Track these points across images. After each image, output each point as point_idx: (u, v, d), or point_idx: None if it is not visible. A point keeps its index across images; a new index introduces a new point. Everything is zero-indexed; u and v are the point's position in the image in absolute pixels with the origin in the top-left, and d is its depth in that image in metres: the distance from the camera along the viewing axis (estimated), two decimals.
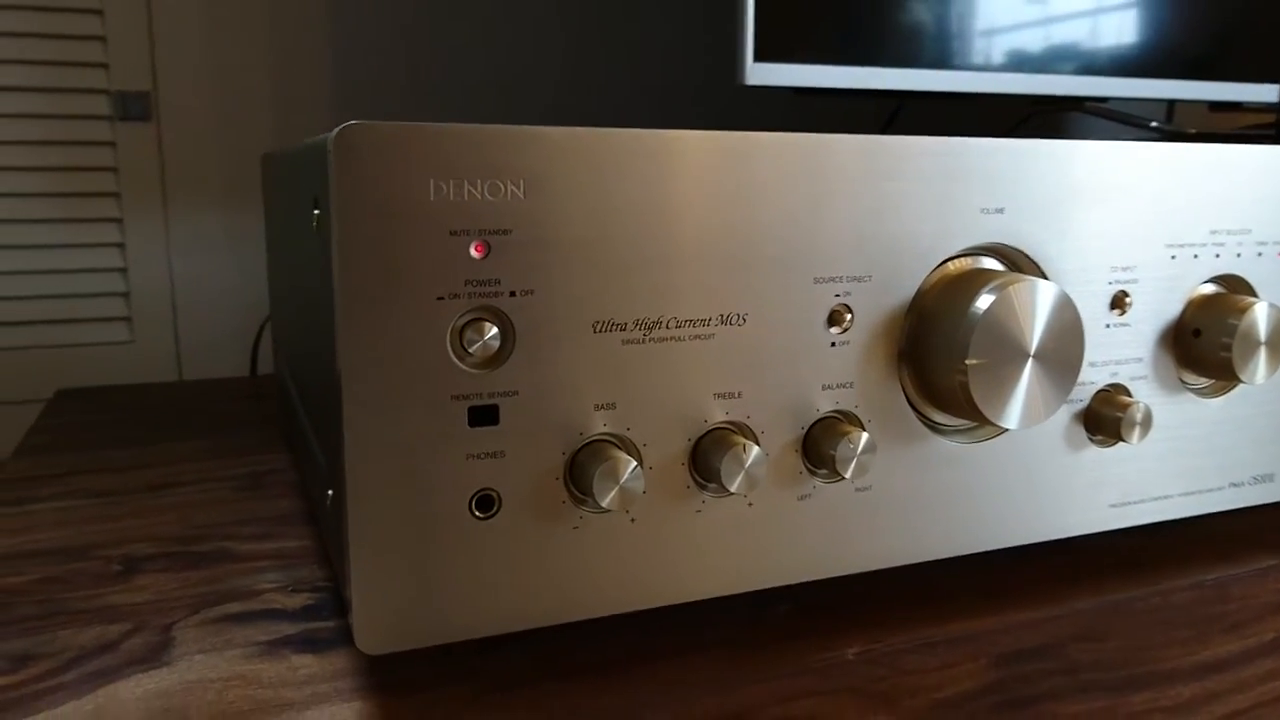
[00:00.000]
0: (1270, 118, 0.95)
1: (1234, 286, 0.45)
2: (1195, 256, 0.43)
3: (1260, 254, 0.45)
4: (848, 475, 0.36)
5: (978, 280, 0.37)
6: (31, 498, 0.51)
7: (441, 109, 1.00)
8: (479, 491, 0.32)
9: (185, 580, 0.42)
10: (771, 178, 0.35)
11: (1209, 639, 0.44)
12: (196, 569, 0.43)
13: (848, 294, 0.37)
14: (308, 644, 0.36)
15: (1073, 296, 0.40)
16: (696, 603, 0.37)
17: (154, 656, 0.35)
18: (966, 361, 0.36)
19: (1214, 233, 0.43)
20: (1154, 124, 0.84)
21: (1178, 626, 0.43)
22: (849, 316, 0.37)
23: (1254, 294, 0.45)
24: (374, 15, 0.98)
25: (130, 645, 0.36)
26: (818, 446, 0.37)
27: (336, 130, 0.29)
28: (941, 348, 0.37)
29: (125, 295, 0.94)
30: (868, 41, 0.81)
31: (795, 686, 0.36)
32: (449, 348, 0.31)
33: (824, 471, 0.37)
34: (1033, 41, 0.85)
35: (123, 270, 0.93)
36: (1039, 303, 0.37)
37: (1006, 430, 0.40)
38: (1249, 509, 0.48)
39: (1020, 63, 0.84)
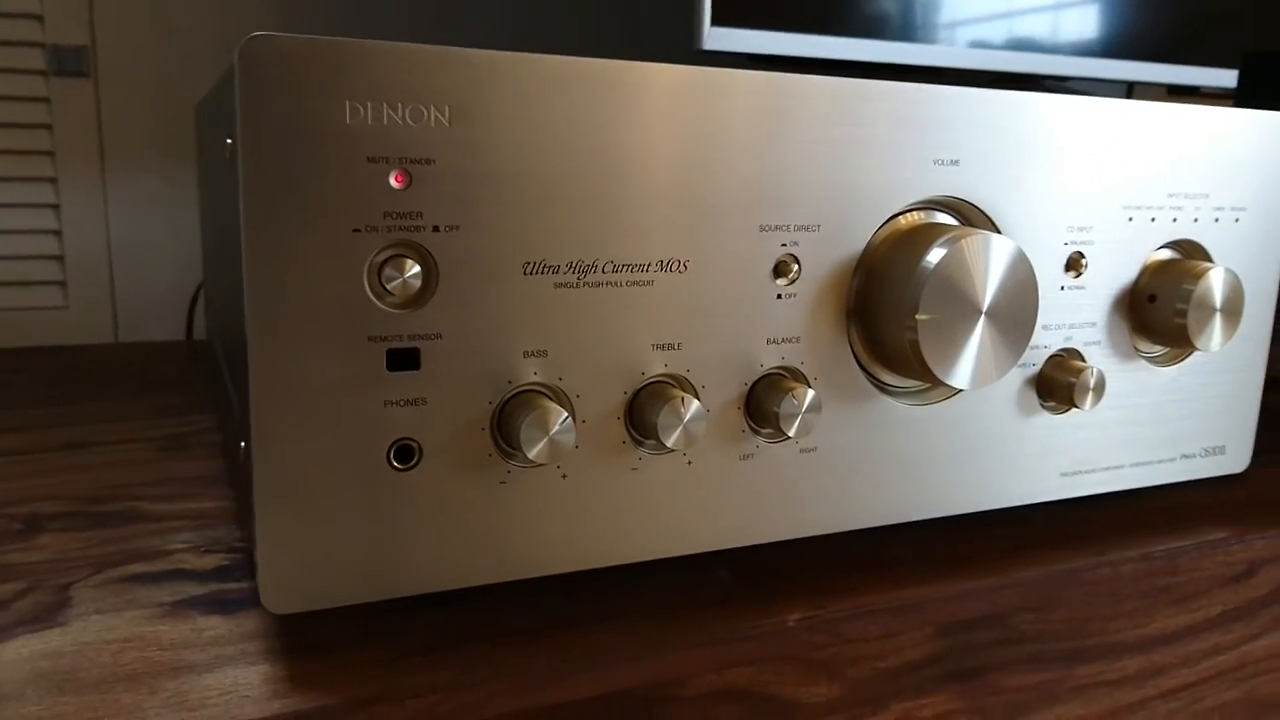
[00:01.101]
0: (1228, 103, 0.95)
1: (1190, 252, 0.44)
2: (1152, 220, 0.42)
3: (1217, 219, 0.44)
4: (791, 433, 0.34)
5: (930, 234, 0.36)
6: None
7: None
8: (398, 441, 0.30)
9: (90, 540, 0.39)
10: (716, 117, 0.33)
11: (1156, 611, 0.43)
12: (103, 528, 0.40)
13: (795, 244, 0.35)
14: (216, 605, 0.34)
15: (1031, 258, 0.39)
16: (634, 566, 0.36)
17: (48, 617, 0.33)
18: (916, 317, 0.35)
19: (1172, 196, 0.42)
20: None
21: (1126, 598, 0.42)
22: (796, 268, 0.35)
23: (1210, 260, 0.44)
24: None
25: (22, 605, 0.34)
26: (761, 403, 0.35)
27: (242, 44, 0.27)
28: (891, 303, 0.36)
29: (60, 259, 0.90)
30: (828, 10, 0.79)
31: (732, 653, 0.34)
32: (366, 285, 0.29)
33: (768, 430, 0.35)
34: (995, 18, 0.84)
35: (57, 232, 0.89)
36: (992, 258, 0.35)
37: (957, 393, 0.39)
38: (1200, 481, 0.48)
39: (982, 40, 0.83)
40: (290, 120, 0.27)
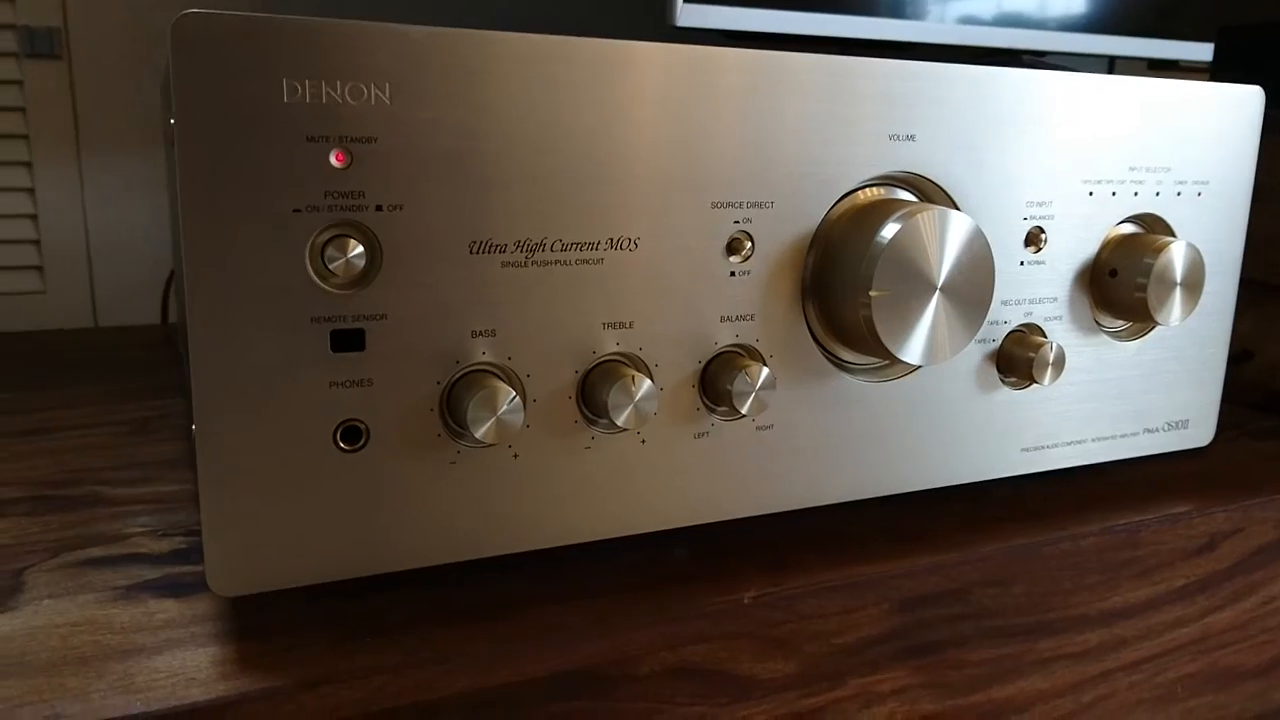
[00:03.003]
0: (1205, 77, 0.95)
1: (1152, 226, 0.44)
2: (1113, 194, 0.42)
3: (1179, 193, 0.43)
4: (744, 411, 0.34)
5: (885, 210, 0.36)
6: None
7: None
8: (344, 422, 0.30)
9: (48, 524, 0.39)
10: (664, 92, 0.32)
11: (1118, 585, 0.43)
12: (62, 513, 0.40)
13: (748, 220, 0.35)
14: (171, 589, 0.34)
15: (987, 232, 0.39)
16: (591, 545, 0.36)
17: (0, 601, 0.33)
18: (870, 293, 0.34)
19: (1133, 170, 0.42)
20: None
21: (1088, 572, 0.42)
22: (749, 245, 0.35)
23: (1172, 234, 0.44)
24: None
25: None
26: (716, 381, 0.35)
27: (175, 21, 0.26)
28: (846, 280, 0.35)
29: (36, 243, 0.89)
30: None
31: (686, 631, 0.34)
32: (309, 265, 0.29)
33: (723, 408, 0.35)
34: None
35: (33, 217, 0.89)
36: (947, 234, 0.35)
37: (915, 369, 0.39)
38: (1165, 455, 0.48)
39: (961, 15, 0.83)
40: (227, 99, 0.27)
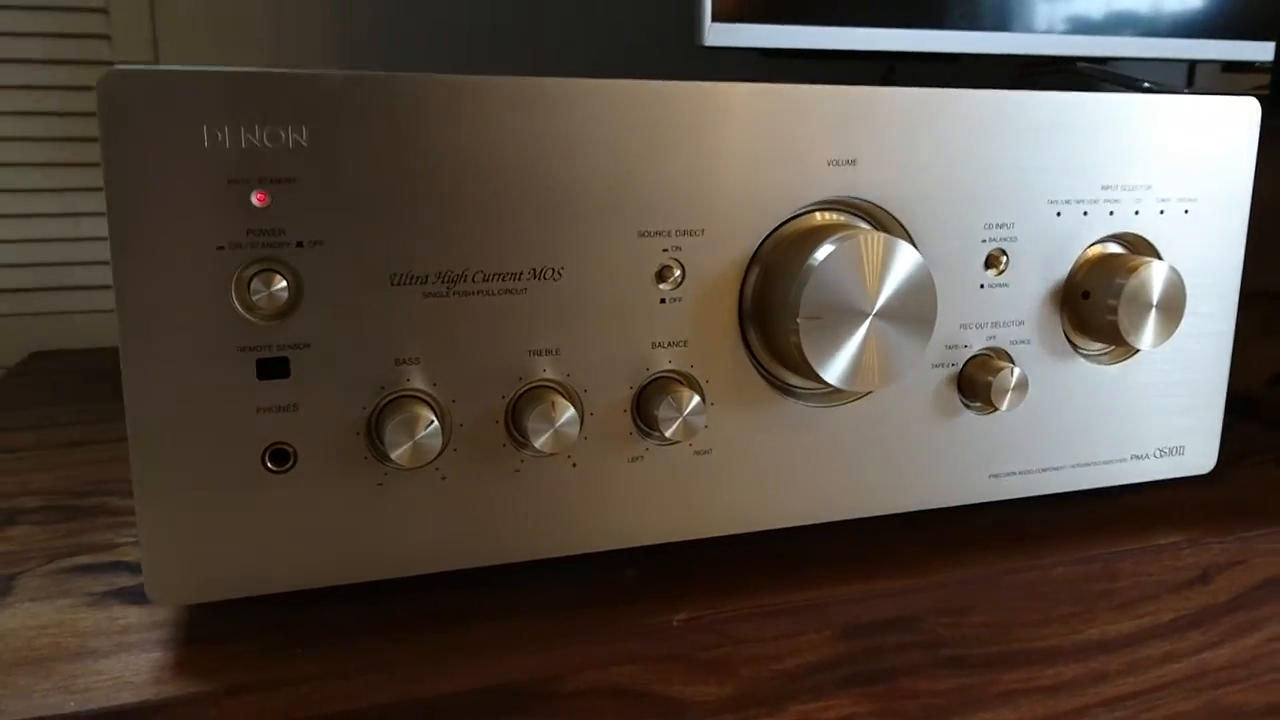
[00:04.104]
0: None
1: (1136, 246, 0.42)
2: (1085, 214, 0.41)
3: (1163, 211, 0.42)
4: (670, 435, 0.35)
5: (820, 235, 0.36)
6: None
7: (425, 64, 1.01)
8: (272, 445, 0.32)
9: (55, 532, 0.42)
10: (586, 126, 0.33)
11: (1095, 617, 0.42)
12: (70, 522, 0.43)
13: (678, 249, 0.35)
14: (139, 596, 0.36)
15: (941, 254, 0.38)
16: (541, 564, 0.37)
17: None
18: (798, 319, 0.35)
19: (1106, 189, 0.41)
20: (1146, 84, 0.80)
21: (1059, 603, 0.41)
22: (679, 272, 0.35)
23: (1157, 253, 0.42)
24: None
25: None
26: (646, 406, 0.36)
27: (100, 78, 0.29)
28: (779, 305, 0.36)
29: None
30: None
31: (614, 651, 0.35)
32: (234, 298, 0.31)
33: (656, 433, 0.36)
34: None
35: None
36: (881, 258, 0.35)
37: (867, 394, 0.39)
38: (1169, 482, 0.46)
39: (1006, 21, 0.80)
40: (151, 147, 0.29)
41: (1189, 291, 0.42)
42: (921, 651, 0.39)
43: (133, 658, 0.32)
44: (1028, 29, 0.81)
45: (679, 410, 0.35)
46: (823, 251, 0.35)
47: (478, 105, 0.32)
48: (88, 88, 0.94)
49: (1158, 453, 0.44)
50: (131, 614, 0.35)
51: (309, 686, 0.32)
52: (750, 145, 0.35)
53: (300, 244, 0.31)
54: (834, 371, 0.35)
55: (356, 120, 0.31)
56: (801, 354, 0.35)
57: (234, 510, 0.32)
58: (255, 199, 0.31)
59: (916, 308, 0.36)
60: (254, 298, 0.31)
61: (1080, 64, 0.84)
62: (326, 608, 0.35)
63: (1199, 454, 0.45)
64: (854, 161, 0.37)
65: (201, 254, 0.30)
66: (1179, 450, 0.45)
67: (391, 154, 0.32)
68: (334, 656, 0.33)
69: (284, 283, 0.31)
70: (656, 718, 0.36)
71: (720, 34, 0.74)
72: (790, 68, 0.92)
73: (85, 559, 0.40)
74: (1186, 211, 0.42)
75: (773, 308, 0.36)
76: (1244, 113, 0.42)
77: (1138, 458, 0.44)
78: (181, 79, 0.29)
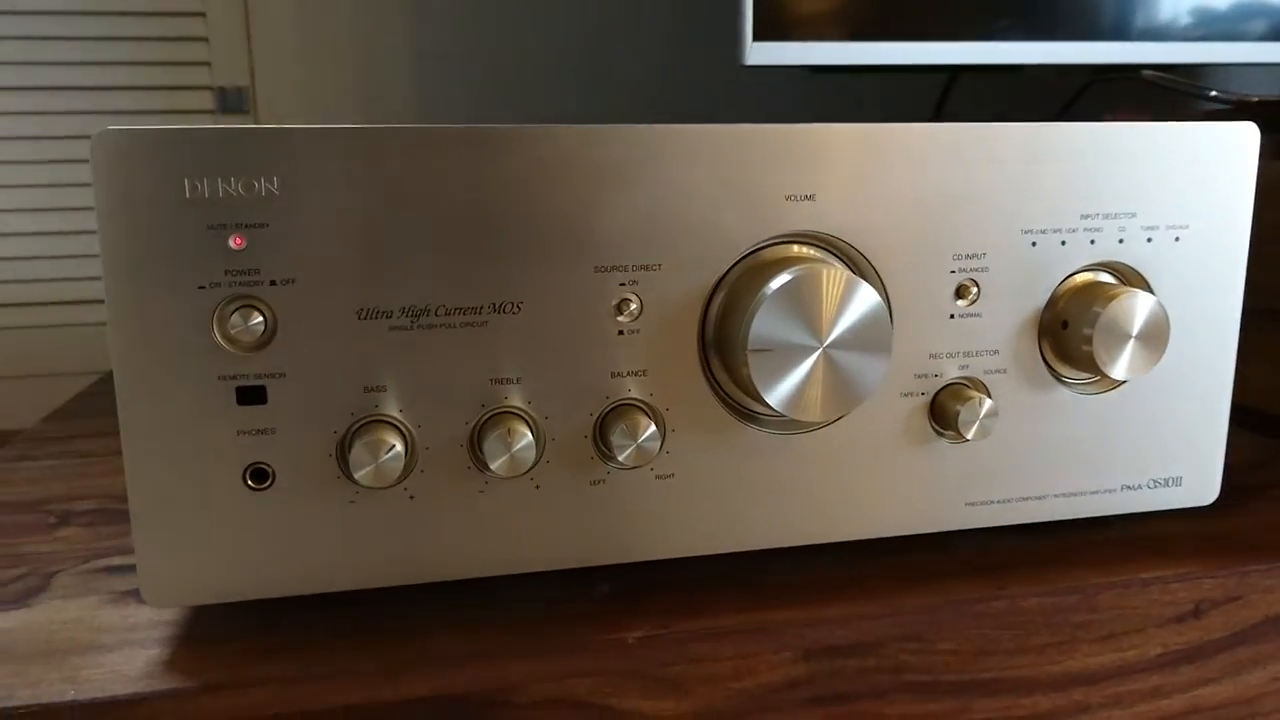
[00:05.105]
0: None
1: (1124, 275, 0.42)
2: (1063, 243, 0.40)
3: (1150, 239, 0.41)
4: (623, 460, 0.36)
5: (776, 268, 0.37)
6: (29, 456, 0.58)
7: (500, 92, 1.05)
8: (252, 465, 0.35)
9: (100, 534, 0.47)
10: (538, 169, 0.35)
11: (1074, 649, 0.41)
12: (112, 524, 0.48)
13: (634, 283, 0.37)
14: None
15: (908, 286, 0.39)
16: (504, 579, 0.39)
17: (22, 599, 0.40)
18: (747, 351, 0.36)
19: (1086, 217, 0.40)
20: (1213, 93, 0.77)
21: (1033, 633, 0.41)
22: (634, 305, 0.37)
23: (1145, 282, 0.41)
24: (450, 9, 1.05)
25: (11, 589, 0.41)
26: (606, 433, 0.37)
27: (93, 137, 0.32)
28: (734, 336, 0.37)
29: None
30: (890, 12, 0.78)
31: (570, 665, 0.37)
32: (215, 332, 0.34)
33: (614, 459, 0.38)
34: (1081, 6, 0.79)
35: None
36: (832, 291, 0.36)
37: (834, 421, 0.40)
38: (1172, 513, 0.45)
39: (1060, 29, 0.79)
40: (138, 197, 0.33)
41: (1183, 319, 0.42)
42: (886, 676, 0.40)
43: (133, 654, 0.36)
44: (1092, 36, 0.79)
45: (633, 437, 0.36)
46: (775, 283, 0.36)
47: (437, 152, 0.34)
48: (193, 111, 1.02)
49: (1151, 483, 0.43)
50: (143, 613, 0.39)
51: (277, 688, 0.35)
52: (703, 184, 0.37)
53: (274, 282, 0.34)
54: (782, 402, 0.36)
55: (323, 169, 0.34)
56: (751, 385, 0.36)
57: (218, 523, 0.35)
58: (233, 242, 0.34)
59: (871, 338, 0.37)
60: (233, 331, 0.34)
61: (1145, 71, 0.82)
62: (311, 613, 0.38)
63: (1198, 485, 0.44)
64: (812, 196, 0.38)
65: (185, 292, 0.34)
66: (1175, 481, 0.44)
67: (356, 199, 0.34)
68: (304, 660, 0.36)
69: (260, 318, 0.34)
70: None
71: (762, 53, 0.75)
72: (836, 83, 0.92)
73: (117, 560, 0.44)
74: (1178, 239, 0.41)
75: (729, 337, 0.37)
76: (1242, 138, 0.41)
77: (1129, 488, 0.43)
78: (164, 137, 0.33)
